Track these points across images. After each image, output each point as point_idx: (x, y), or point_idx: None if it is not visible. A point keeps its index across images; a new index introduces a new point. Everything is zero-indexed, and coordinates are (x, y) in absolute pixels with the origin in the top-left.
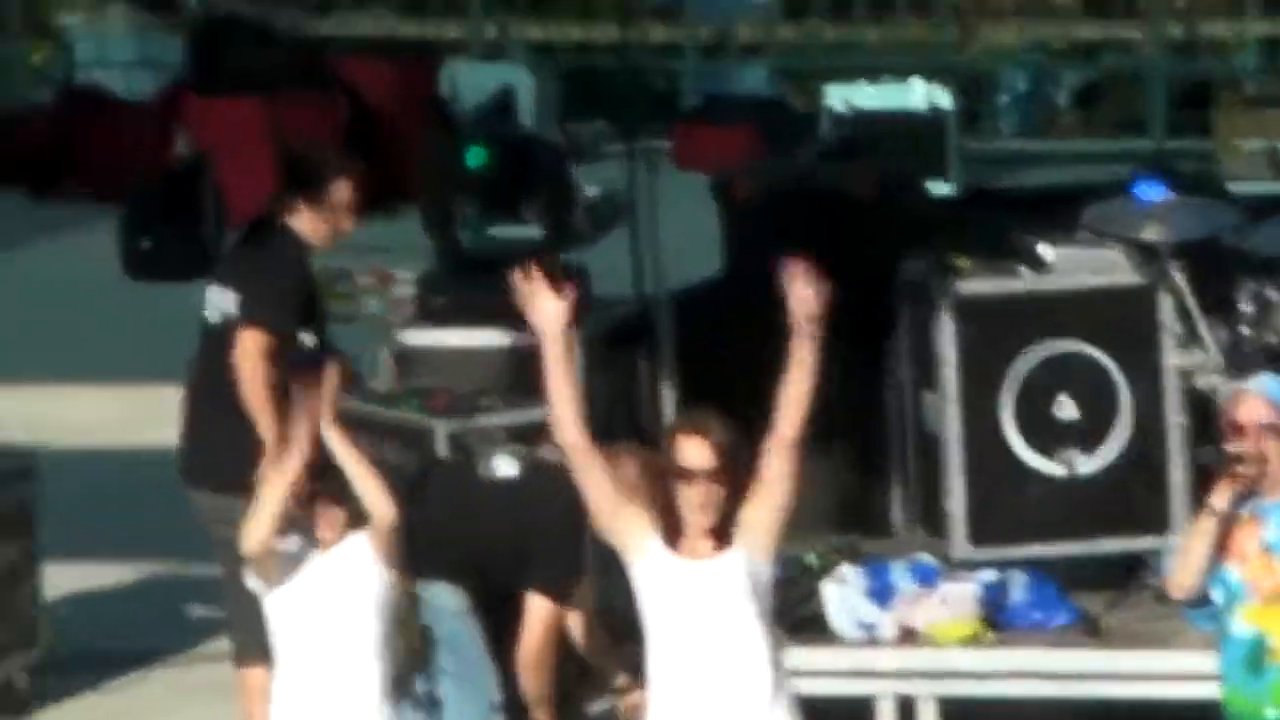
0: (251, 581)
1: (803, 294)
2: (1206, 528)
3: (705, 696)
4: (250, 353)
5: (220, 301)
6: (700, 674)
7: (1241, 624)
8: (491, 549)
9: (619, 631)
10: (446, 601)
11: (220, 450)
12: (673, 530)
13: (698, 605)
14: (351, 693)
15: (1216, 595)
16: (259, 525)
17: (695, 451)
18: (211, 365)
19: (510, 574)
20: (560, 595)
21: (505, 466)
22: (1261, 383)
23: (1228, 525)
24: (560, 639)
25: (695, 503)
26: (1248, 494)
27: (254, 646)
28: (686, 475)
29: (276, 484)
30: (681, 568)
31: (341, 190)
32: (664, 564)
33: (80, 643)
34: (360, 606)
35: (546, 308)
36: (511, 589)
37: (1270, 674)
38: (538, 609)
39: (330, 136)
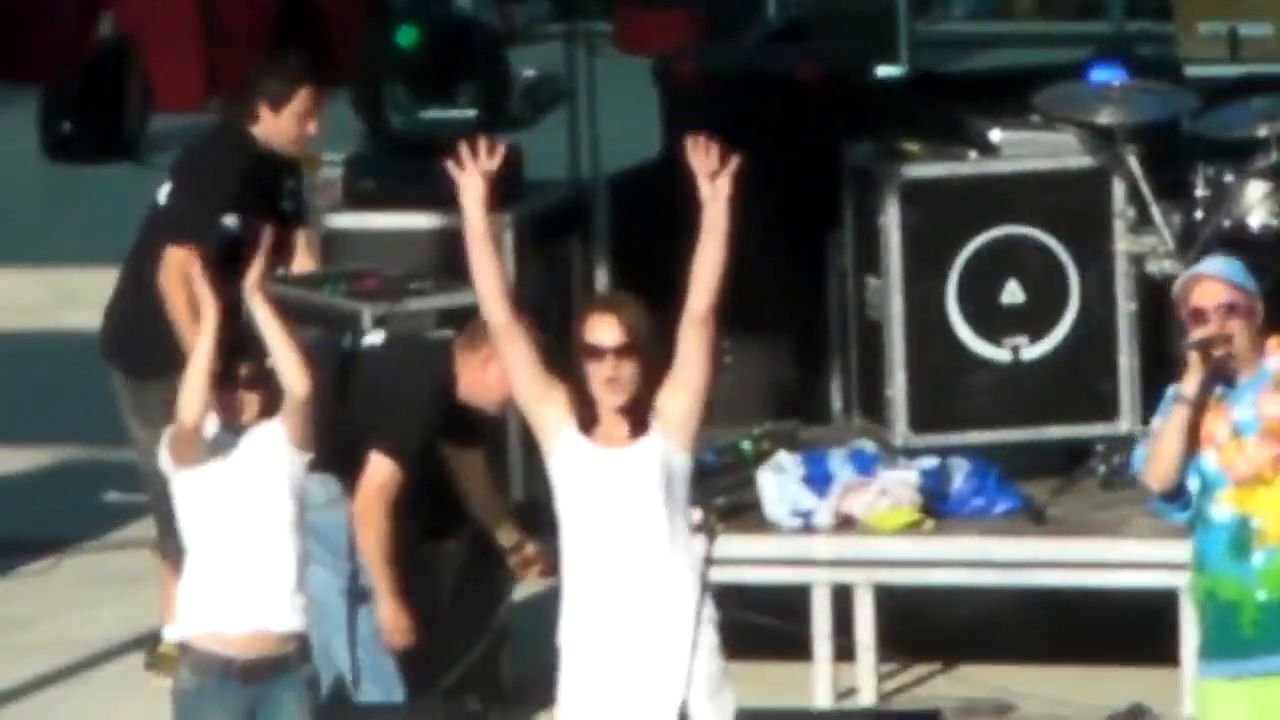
0: (163, 463)
1: (704, 160)
2: (1180, 418)
3: (616, 585)
4: (171, 268)
5: (163, 193)
6: (612, 562)
7: (1221, 509)
8: (354, 424)
9: (541, 524)
10: (316, 495)
11: (141, 337)
12: (590, 417)
13: (611, 493)
14: (266, 577)
15: (1192, 484)
16: (190, 397)
17: (604, 329)
18: (140, 249)
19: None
20: (396, 454)
21: (370, 338)
22: (1213, 264)
23: (1199, 412)
24: (396, 501)
25: (603, 379)
26: (1215, 379)
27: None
28: (594, 353)
29: (197, 354)
30: (596, 455)
31: (305, 98)
32: (578, 451)
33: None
34: (274, 490)
35: (469, 183)
36: None
37: (1258, 555)
38: (372, 465)
39: (259, 21)
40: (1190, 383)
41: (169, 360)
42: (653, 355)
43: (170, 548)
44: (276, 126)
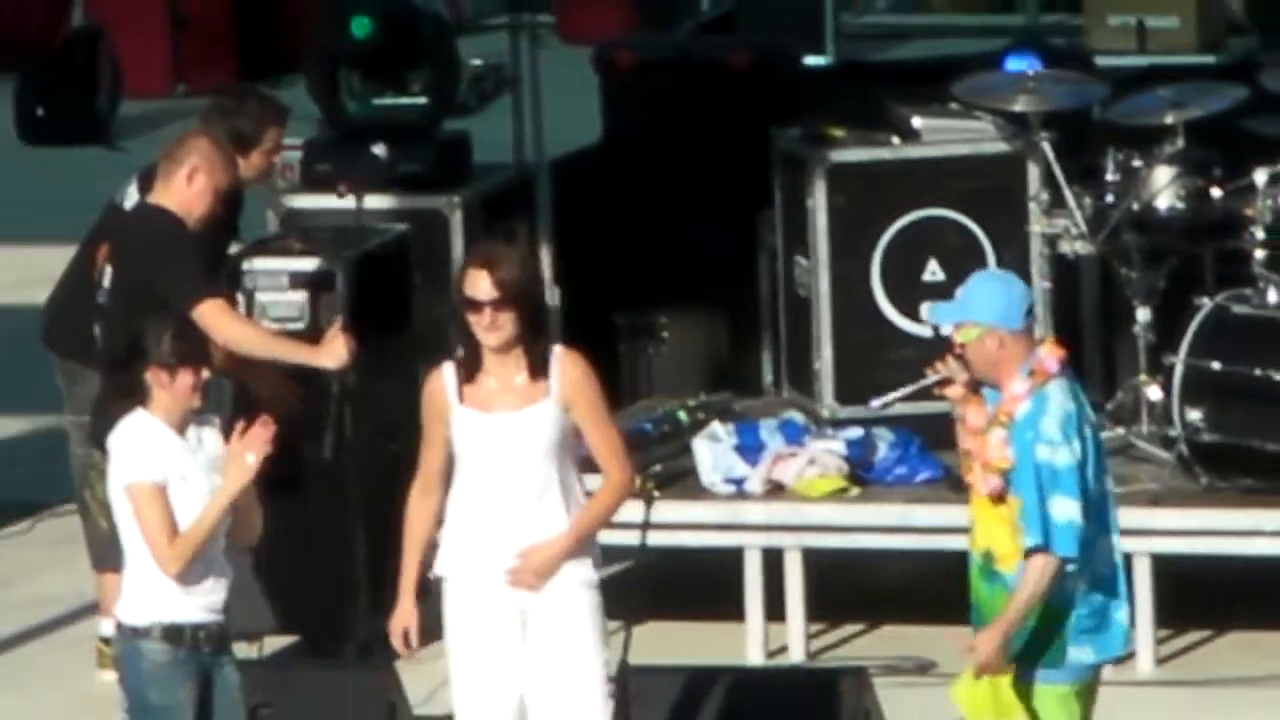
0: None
1: None
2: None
3: (501, 529)
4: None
5: (132, 195)
6: (498, 507)
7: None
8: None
9: None
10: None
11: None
12: (475, 363)
13: (497, 450)
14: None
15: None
16: (191, 547)
17: (479, 283)
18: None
19: None
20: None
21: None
22: (936, 310)
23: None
24: None
25: (482, 327)
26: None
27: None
28: (472, 305)
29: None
30: (486, 420)
31: (272, 136)
32: (464, 417)
33: None
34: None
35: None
36: None
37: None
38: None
39: (220, 12)
40: (971, 414)
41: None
42: (532, 301)
43: (97, 544)
44: (246, 165)
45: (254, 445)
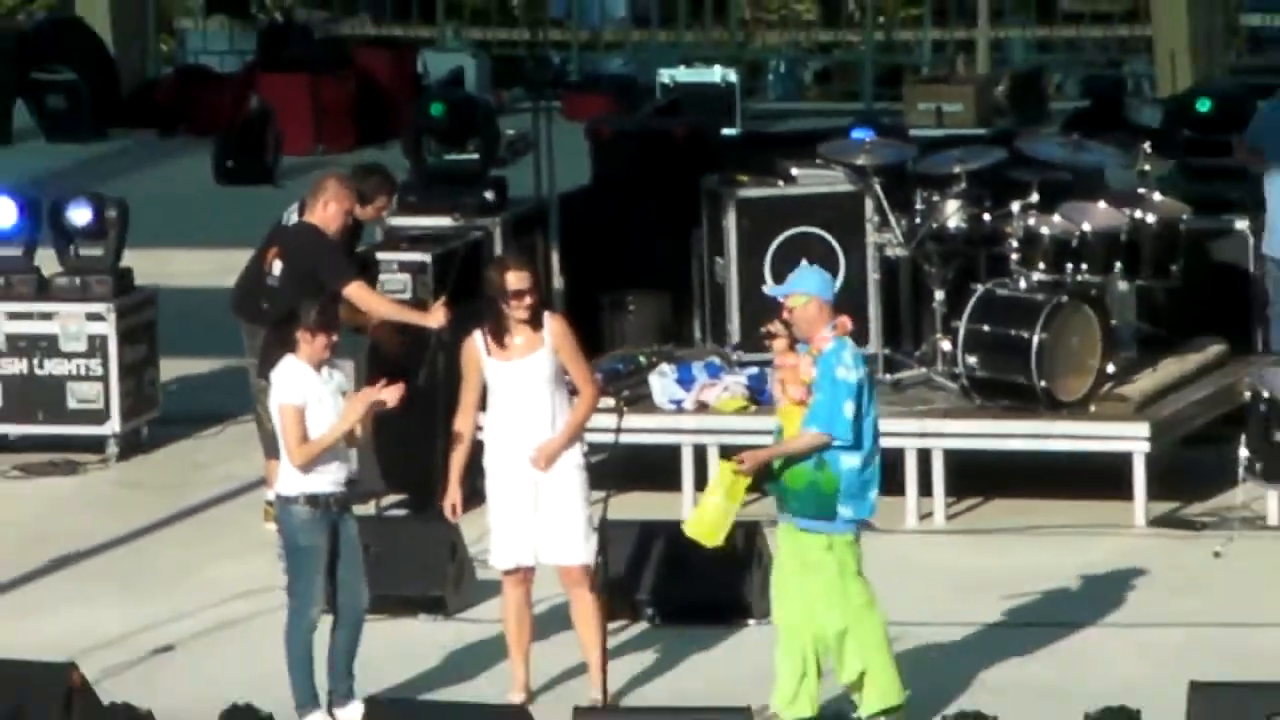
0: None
1: None
2: (780, 377)
3: (521, 432)
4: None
5: (292, 216)
6: (518, 419)
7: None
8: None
9: None
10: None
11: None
12: (503, 330)
13: (516, 383)
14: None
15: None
16: (314, 449)
17: (521, 280)
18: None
19: None
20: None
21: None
22: (774, 288)
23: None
24: None
25: (520, 307)
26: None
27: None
28: (515, 294)
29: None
30: (504, 367)
31: (383, 200)
32: (493, 365)
33: (180, 408)
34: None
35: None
36: None
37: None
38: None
39: (346, 99)
40: (787, 357)
41: (269, 315)
42: (541, 289)
43: (266, 440)
44: (362, 212)
45: (390, 395)
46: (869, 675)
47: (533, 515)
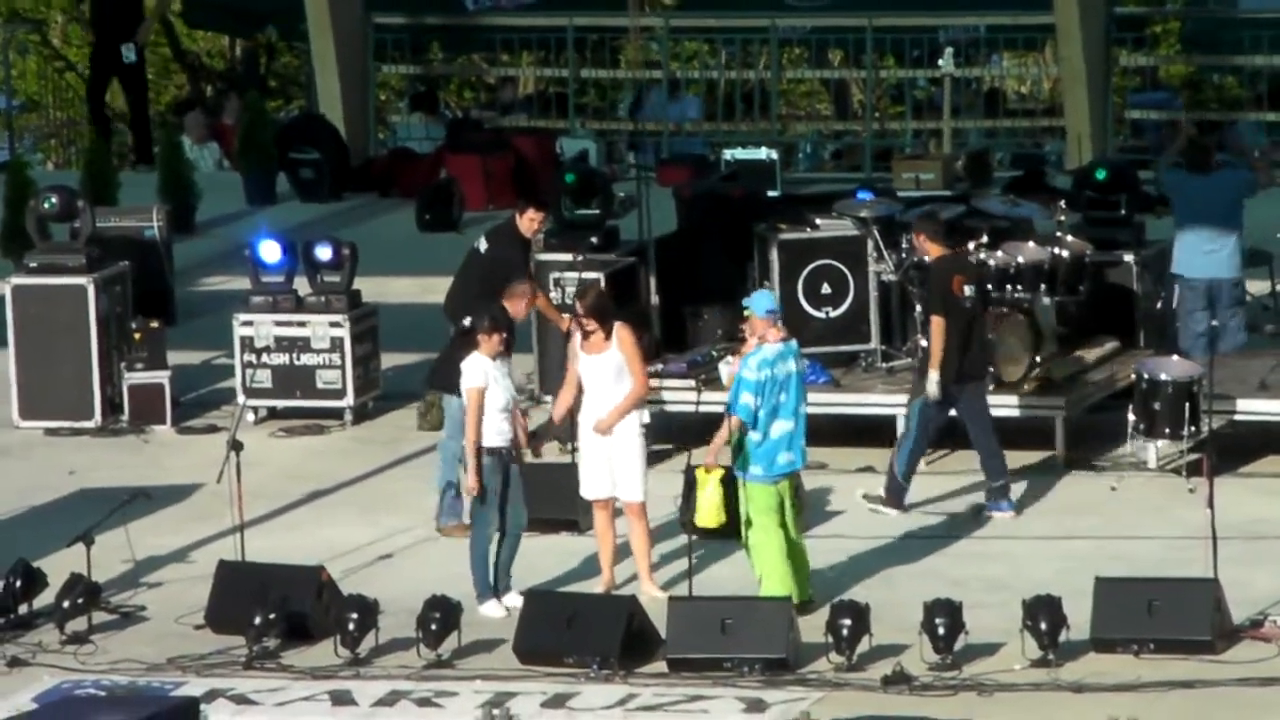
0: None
1: None
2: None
3: (594, 404)
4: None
5: (482, 245)
6: (593, 395)
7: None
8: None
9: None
10: None
11: (460, 308)
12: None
13: (596, 373)
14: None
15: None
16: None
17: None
18: (463, 269)
19: None
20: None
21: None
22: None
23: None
24: None
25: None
26: None
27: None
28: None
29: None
30: (588, 358)
31: (539, 216)
32: (582, 357)
33: (395, 388)
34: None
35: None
36: None
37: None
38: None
39: (506, 172)
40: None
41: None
42: (606, 316)
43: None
44: (526, 225)
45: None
46: (763, 577)
47: (606, 464)
